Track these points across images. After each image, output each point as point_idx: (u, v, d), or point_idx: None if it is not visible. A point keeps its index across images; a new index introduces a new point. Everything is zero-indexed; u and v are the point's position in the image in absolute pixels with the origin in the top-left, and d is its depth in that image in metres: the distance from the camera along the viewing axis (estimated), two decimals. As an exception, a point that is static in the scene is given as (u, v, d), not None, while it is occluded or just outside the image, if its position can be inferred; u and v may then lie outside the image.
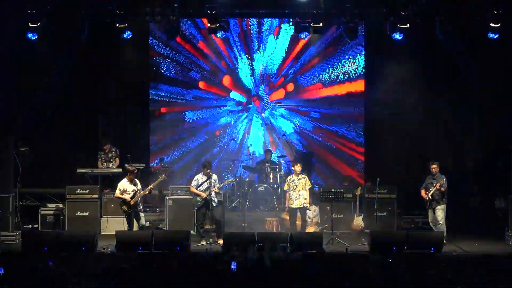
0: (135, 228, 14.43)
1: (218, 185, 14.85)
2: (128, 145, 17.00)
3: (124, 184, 14.27)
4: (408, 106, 17.24)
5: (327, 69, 18.13)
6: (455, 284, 9.59)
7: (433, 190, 14.51)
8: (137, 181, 14.38)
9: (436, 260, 11.23)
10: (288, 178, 15.18)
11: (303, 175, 15.08)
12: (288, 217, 15.32)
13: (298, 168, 15.03)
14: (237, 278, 9.75)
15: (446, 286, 9.65)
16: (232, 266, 10.41)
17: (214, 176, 14.89)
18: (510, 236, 14.91)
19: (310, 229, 15.20)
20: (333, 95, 18.17)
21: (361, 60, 18.02)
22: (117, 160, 16.58)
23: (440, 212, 14.52)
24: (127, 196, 14.19)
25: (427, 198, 14.60)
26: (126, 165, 15.05)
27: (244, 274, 9.74)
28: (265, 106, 18.35)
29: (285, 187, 15.14)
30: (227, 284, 9.50)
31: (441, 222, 14.49)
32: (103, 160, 16.58)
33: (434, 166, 14.68)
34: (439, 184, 14.44)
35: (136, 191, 14.21)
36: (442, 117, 16.81)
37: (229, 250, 12.59)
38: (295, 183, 14.93)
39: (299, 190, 14.88)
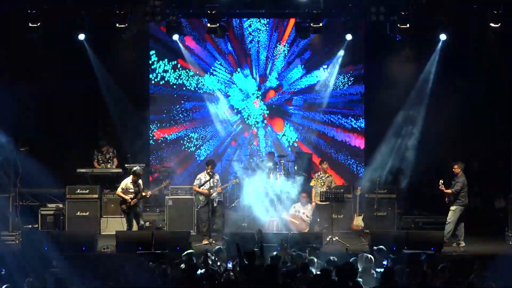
0: (135, 228, 14.45)
1: (220, 185, 14.88)
2: (128, 144, 16.98)
3: (127, 184, 14.30)
4: (408, 106, 17.22)
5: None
6: (455, 284, 9.59)
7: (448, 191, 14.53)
8: (140, 182, 14.38)
9: (436, 260, 11.19)
10: (316, 174, 15.74)
11: (328, 174, 15.54)
12: (288, 217, 15.34)
13: (325, 165, 15.64)
14: (236, 277, 9.75)
15: (446, 286, 9.66)
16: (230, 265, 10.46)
17: (217, 176, 14.91)
18: (510, 236, 14.91)
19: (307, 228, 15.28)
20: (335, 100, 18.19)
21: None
22: (115, 160, 16.58)
23: (450, 213, 14.55)
24: (128, 197, 14.20)
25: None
26: (136, 167, 14.82)
27: (243, 273, 9.75)
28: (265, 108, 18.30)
29: (312, 183, 15.53)
30: (227, 284, 9.51)
31: (448, 221, 14.51)
32: (100, 161, 16.55)
33: (455, 167, 14.69)
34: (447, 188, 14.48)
35: (137, 193, 14.22)
36: (443, 117, 16.78)
37: (229, 250, 12.57)
38: (323, 180, 15.38)
39: (327, 187, 15.13)
